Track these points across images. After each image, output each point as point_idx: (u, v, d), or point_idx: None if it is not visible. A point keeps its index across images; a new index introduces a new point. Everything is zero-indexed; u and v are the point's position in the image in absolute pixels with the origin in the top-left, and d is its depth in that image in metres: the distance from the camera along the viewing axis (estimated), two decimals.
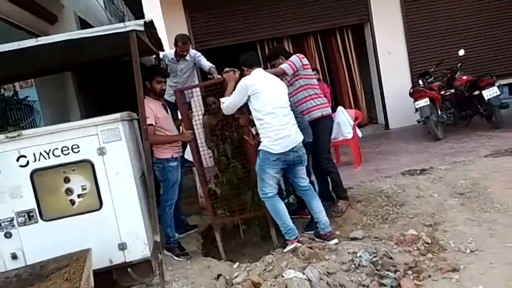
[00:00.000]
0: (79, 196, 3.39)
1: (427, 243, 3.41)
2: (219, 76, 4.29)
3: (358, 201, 4.38)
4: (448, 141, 6.55)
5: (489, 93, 6.51)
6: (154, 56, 4.63)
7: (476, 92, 6.72)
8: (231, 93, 3.63)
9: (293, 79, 4.12)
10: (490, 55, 8.71)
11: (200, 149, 4.44)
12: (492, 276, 2.83)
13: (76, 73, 7.17)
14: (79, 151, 3.34)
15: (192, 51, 5.08)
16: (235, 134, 4.06)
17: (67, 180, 3.37)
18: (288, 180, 4.12)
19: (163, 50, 4.58)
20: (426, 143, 6.70)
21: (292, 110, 3.68)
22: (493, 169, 4.72)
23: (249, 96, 3.50)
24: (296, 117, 3.68)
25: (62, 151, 3.34)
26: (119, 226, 3.40)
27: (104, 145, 3.34)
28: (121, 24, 3.12)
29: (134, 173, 3.43)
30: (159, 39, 4.21)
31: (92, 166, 3.36)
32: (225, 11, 7.95)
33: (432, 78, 7.28)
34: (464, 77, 7.21)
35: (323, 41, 8.79)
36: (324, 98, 4.23)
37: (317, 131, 4.06)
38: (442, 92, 7.05)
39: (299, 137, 3.58)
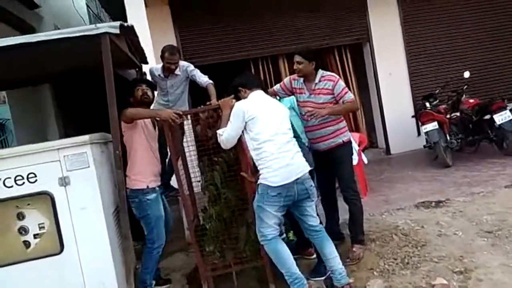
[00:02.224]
0: (35, 236, 2.78)
1: None
2: (215, 101, 3.72)
3: (372, 240, 3.78)
4: (459, 169, 6.04)
5: (501, 118, 6.06)
6: (136, 69, 4.04)
7: (487, 116, 6.28)
8: (227, 123, 3.10)
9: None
10: (496, 77, 8.35)
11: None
12: None
13: (54, 87, 6.56)
14: (36, 181, 2.75)
15: (183, 63, 4.42)
16: (226, 157, 3.44)
17: (20, 216, 2.77)
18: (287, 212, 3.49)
19: (146, 63, 3.98)
20: (434, 171, 6.18)
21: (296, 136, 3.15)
22: None
23: (245, 123, 2.99)
24: None
25: (15, 180, 2.75)
26: (84, 274, 2.78)
27: (68, 173, 2.74)
28: (92, 26, 2.54)
29: (105, 208, 2.80)
30: (142, 50, 3.65)
31: (52, 199, 2.75)
32: (218, 27, 7.46)
33: (437, 100, 6.83)
34: (471, 100, 6.79)
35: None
36: (344, 122, 3.70)
37: (338, 158, 3.57)
38: (448, 116, 6.58)
39: (305, 167, 3.02)
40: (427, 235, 3.80)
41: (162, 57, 4.25)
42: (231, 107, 3.20)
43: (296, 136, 3.25)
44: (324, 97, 3.49)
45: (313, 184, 3.07)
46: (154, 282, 3.43)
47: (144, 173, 3.24)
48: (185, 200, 3.36)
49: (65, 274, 2.74)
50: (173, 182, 4.97)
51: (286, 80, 3.74)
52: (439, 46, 8.24)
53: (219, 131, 3.12)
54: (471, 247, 3.50)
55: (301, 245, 3.76)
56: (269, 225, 2.93)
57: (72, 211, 2.73)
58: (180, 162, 3.63)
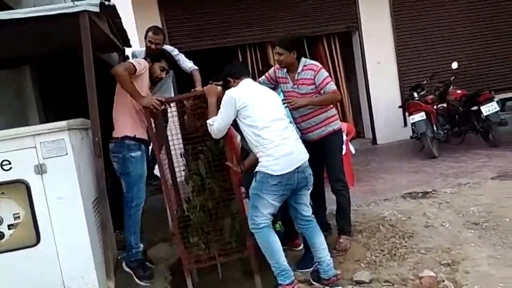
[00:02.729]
0: (9, 227, 2.63)
1: None
2: (200, 88, 3.58)
3: (359, 231, 3.72)
4: (445, 160, 6.04)
5: (488, 109, 6.06)
6: (119, 53, 3.88)
7: (474, 108, 6.28)
8: (216, 112, 2.99)
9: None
10: (483, 69, 8.36)
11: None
12: None
13: (35, 69, 6.27)
14: (10, 168, 2.57)
15: (168, 47, 4.26)
16: (211, 146, 3.32)
17: None
18: None
19: (129, 46, 3.82)
20: (420, 161, 6.16)
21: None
22: (505, 194, 4.20)
23: (237, 112, 2.88)
24: None
25: None
26: (62, 267, 2.64)
27: (44, 161, 2.58)
28: (70, 4, 2.38)
29: (84, 197, 2.66)
30: (125, 32, 3.48)
31: (28, 188, 2.59)
32: (205, 12, 7.24)
33: (425, 91, 6.80)
34: (458, 91, 6.79)
35: (309, 48, 8.20)
36: (334, 110, 3.58)
37: (328, 147, 3.47)
38: (435, 107, 6.56)
39: (305, 155, 2.95)
40: (414, 226, 3.77)
41: (146, 38, 4.08)
42: (217, 94, 3.11)
43: None
44: (307, 87, 3.36)
45: (311, 172, 3.00)
46: (142, 245, 3.30)
47: (132, 123, 3.11)
48: (167, 191, 3.23)
49: (41, 267, 2.60)
50: (156, 171, 4.86)
51: (271, 70, 3.61)
52: (428, 37, 8.19)
53: (209, 121, 3.00)
54: (458, 238, 3.48)
55: (288, 236, 3.70)
56: (263, 214, 2.85)
57: (49, 201, 2.59)
58: (163, 151, 3.51)
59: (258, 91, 3.05)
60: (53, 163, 2.58)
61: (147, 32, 4.07)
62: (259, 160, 2.87)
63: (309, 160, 3.47)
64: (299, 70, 3.37)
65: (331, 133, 3.45)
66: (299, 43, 3.46)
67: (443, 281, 2.87)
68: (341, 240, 3.48)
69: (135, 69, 2.98)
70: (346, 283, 3.01)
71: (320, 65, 3.40)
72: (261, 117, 2.86)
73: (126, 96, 3.03)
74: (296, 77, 3.39)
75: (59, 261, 2.61)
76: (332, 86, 3.33)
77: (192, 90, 3.71)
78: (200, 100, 3.35)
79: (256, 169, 2.89)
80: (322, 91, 3.31)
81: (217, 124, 2.92)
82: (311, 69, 3.35)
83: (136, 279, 3.15)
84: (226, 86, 3.18)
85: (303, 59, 3.40)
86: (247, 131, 2.90)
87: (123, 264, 3.20)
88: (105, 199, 2.62)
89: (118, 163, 3.12)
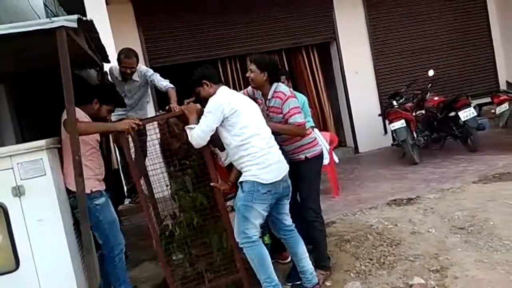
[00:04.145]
0: None
1: None
2: (177, 106, 3.49)
3: (347, 241, 3.70)
4: (427, 166, 6.12)
5: (465, 114, 6.18)
6: (97, 69, 3.80)
7: (452, 114, 6.40)
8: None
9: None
10: (459, 75, 8.58)
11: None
12: None
13: (11, 88, 6.10)
14: None
15: (142, 68, 4.23)
16: (197, 162, 3.25)
17: None
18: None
19: (107, 62, 3.75)
20: (403, 168, 6.24)
21: None
22: (487, 198, 4.27)
23: (225, 119, 2.77)
24: None
25: None
26: None
27: (22, 182, 2.49)
28: (47, 20, 2.32)
29: (64, 219, 2.57)
30: (103, 47, 3.42)
31: (5, 211, 2.50)
32: (184, 26, 7.22)
33: (403, 99, 6.90)
34: (436, 98, 6.92)
35: (289, 60, 8.28)
36: (312, 135, 3.31)
37: (298, 175, 3.18)
38: (414, 114, 6.66)
39: (287, 164, 2.94)
40: (401, 233, 3.78)
41: (119, 60, 4.04)
42: (198, 112, 2.98)
43: None
44: (276, 116, 3.11)
45: (290, 182, 2.97)
46: None
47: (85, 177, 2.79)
48: (147, 211, 3.06)
49: None
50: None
51: (249, 88, 3.39)
52: (404, 45, 8.38)
53: (188, 127, 2.90)
54: (445, 244, 3.49)
55: (275, 248, 3.64)
56: (254, 225, 2.77)
57: (28, 224, 2.49)
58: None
59: (242, 97, 2.97)
60: (31, 185, 2.49)
61: (119, 55, 4.02)
62: (245, 169, 2.79)
63: None
64: (269, 96, 3.14)
65: (302, 161, 3.19)
66: (273, 67, 3.10)
67: (434, 287, 2.86)
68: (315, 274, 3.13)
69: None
70: None
71: (288, 94, 3.11)
72: (251, 123, 2.79)
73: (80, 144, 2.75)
74: (267, 104, 3.18)
75: (40, 286, 2.49)
76: (297, 119, 3.03)
77: (167, 107, 3.65)
78: (179, 120, 3.27)
79: (242, 179, 2.80)
80: (289, 120, 3.05)
81: (199, 131, 2.78)
82: (279, 97, 3.09)
83: None
84: (194, 92, 3.01)
85: (275, 85, 3.15)
86: (231, 140, 2.80)
87: None
88: (87, 220, 2.52)
89: None
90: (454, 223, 3.83)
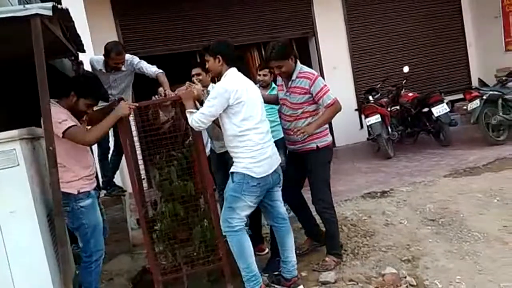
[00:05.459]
0: None
1: (412, 285, 2.87)
2: (171, 92, 3.43)
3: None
4: (400, 160, 6.27)
5: (438, 110, 6.36)
6: (72, 58, 3.72)
7: (425, 109, 6.58)
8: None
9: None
10: (433, 72, 8.80)
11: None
12: None
13: None
14: None
15: (128, 56, 4.12)
16: (184, 153, 3.22)
17: None
18: None
19: (83, 51, 3.67)
20: (378, 162, 6.37)
21: None
22: (458, 191, 4.41)
23: (228, 106, 2.71)
24: None
25: None
26: (15, 285, 2.45)
27: None
28: (20, 7, 2.25)
29: (38, 210, 2.51)
30: (79, 37, 3.34)
31: None
32: (161, 17, 7.14)
33: (379, 94, 7.03)
34: (410, 94, 7.07)
35: None
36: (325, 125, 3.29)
37: (309, 164, 3.25)
38: (389, 109, 6.80)
39: (279, 157, 2.97)
40: (374, 225, 3.88)
41: (107, 56, 3.94)
42: (194, 98, 2.93)
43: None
44: (298, 96, 3.15)
45: (281, 171, 3.01)
46: None
47: (71, 176, 2.72)
48: (137, 196, 2.97)
49: None
50: (116, 179, 4.70)
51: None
52: (381, 42, 8.53)
53: (188, 110, 2.84)
54: (416, 235, 3.60)
55: (253, 241, 3.66)
56: (240, 216, 2.78)
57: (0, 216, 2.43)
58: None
59: (249, 85, 2.86)
60: (3, 175, 2.41)
61: (108, 51, 3.91)
62: (237, 160, 2.79)
63: (290, 162, 3.45)
64: (294, 77, 3.17)
65: (313, 150, 3.22)
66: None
67: (405, 277, 2.96)
68: (326, 259, 3.27)
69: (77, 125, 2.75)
70: (311, 285, 3.03)
71: (316, 73, 3.18)
72: (252, 117, 2.75)
73: (64, 144, 2.66)
74: (289, 84, 3.22)
75: (12, 278, 2.44)
76: (331, 97, 3.10)
77: (159, 90, 3.60)
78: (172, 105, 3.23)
79: (233, 170, 2.79)
80: (320, 102, 3.12)
81: (201, 115, 2.71)
82: (307, 78, 3.13)
83: None
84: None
85: (298, 65, 3.20)
86: (230, 127, 2.76)
87: None
88: (61, 212, 2.47)
89: (68, 216, 2.72)
90: (426, 215, 3.95)
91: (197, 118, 2.73)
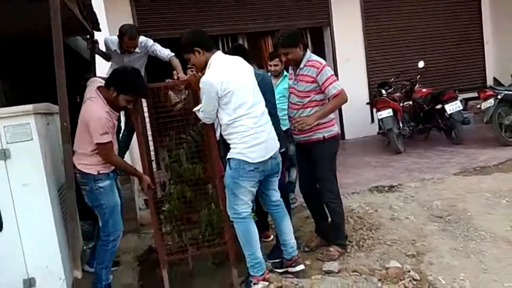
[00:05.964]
0: None
1: (415, 280, 2.87)
2: (183, 75, 3.44)
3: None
4: (410, 155, 6.23)
5: (451, 108, 6.29)
6: (88, 37, 3.73)
7: (438, 106, 6.50)
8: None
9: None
10: (448, 69, 8.68)
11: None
12: None
13: None
14: None
15: (142, 39, 4.10)
16: (194, 136, 3.23)
17: None
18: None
19: (99, 30, 3.67)
20: (387, 156, 6.34)
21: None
22: (467, 190, 4.39)
23: (218, 97, 2.69)
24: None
25: None
26: (26, 256, 2.52)
27: (8, 146, 2.46)
28: None
29: (49, 185, 2.55)
30: (95, 15, 3.36)
31: None
32: (177, 2, 7.11)
33: (392, 89, 6.98)
34: (424, 90, 7.00)
35: None
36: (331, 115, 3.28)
37: (314, 155, 3.25)
38: (401, 104, 6.74)
39: (277, 143, 2.92)
40: (380, 219, 3.88)
41: (121, 39, 3.92)
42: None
43: (272, 115, 3.04)
44: (305, 85, 3.14)
45: (281, 158, 2.97)
46: (111, 277, 3.11)
47: (94, 161, 2.81)
48: (147, 175, 3.02)
49: (3, 256, 2.48)
50: (125, 158, 4.73)
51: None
52: (397, 36, 8.42)
53: (195, 108, 2.87)
54: (422, 231, 3.59)
55: (259, 228, 3.68)
56: (244, 201, 2.77)
57: (12, 187, 2.46)
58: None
59: (237, 71, 2.75)
60: (17, 148, 2.45)
61: (122, 34, 3.87)
62: (233, 146, 2.77)
63: (302, 166, 3.46)
64: (302, 65, 3.17)
65: (319, 141, 3.21)
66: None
67: (409, 271, 2.95)
68: (331, 249, 3.28)
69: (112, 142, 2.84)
70: (315, 273, 3.05)
71: (324, 62, 3.16)
72: (244, 103, 2.70)
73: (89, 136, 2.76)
74: (297, 72, 3.21)
75: (23, 250, 2.49)
76: (337, 87, 3.08)
77: (174, 76, 3.61)
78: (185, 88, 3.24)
79: (230, 156, 2.77)
80: (326, 91, 3.11)
81: (202, 113, 2.78)
82: (314, 66, 3.12)
83: None
84: (184, 60, 2.89)
85: (308, 53, 3.18)
86: (223, 116, 2.75)
87: None
88: (72, 186, 2.51)
89: (87, 196, 2.86)
90: (433, 211, 3.94)
91: (201, 116, 2.81)
